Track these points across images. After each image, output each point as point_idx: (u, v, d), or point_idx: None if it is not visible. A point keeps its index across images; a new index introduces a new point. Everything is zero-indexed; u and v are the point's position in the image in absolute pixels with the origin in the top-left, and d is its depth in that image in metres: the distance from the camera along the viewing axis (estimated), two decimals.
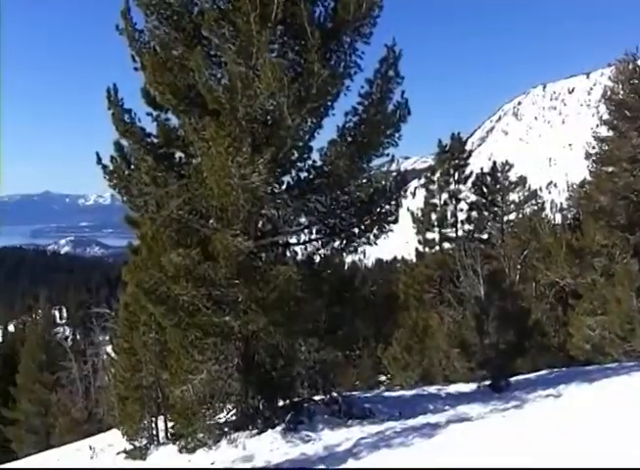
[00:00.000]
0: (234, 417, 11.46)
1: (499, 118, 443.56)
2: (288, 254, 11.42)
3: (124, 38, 10.88)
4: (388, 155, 11.02)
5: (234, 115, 9.76)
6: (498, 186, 30.04)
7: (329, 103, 10.32)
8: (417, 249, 31.68)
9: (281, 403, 11.39)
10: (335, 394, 11.51)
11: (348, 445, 9.44)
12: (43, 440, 30.70)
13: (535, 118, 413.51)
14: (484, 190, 30.24)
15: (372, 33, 10.60)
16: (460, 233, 30.42)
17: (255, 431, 10.67)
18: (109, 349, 25.18)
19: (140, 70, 10.81)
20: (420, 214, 30.88)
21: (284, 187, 10.87)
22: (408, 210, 28.59)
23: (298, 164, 10.79)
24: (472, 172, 30.97)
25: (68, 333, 71.69)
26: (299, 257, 11.39)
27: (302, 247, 11.47)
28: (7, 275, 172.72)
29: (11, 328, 76.03)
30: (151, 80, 10.48)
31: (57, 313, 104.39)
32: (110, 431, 18.46)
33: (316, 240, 11.35)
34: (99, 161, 11.10)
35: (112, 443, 15.67)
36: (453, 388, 14.58)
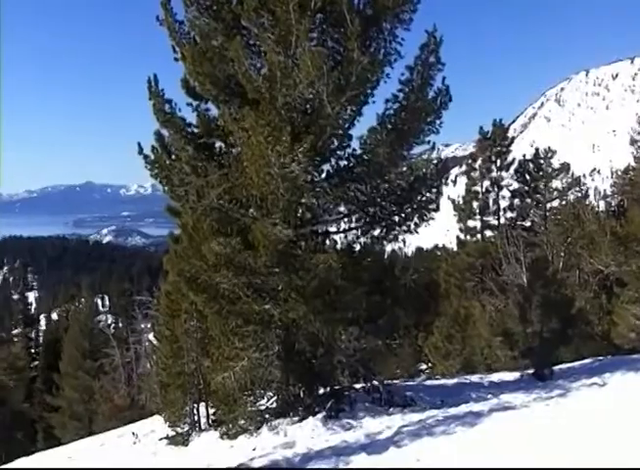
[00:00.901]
0: (275, 404, 11.54)
1: (541, 105, 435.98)
2: (327, 242, 11.42)
3: (165, 29, 10.96)
4: (428, 142, 10.96)
5: (273, 104, 9.77)
6: (541, 173, 29.57)
7: (369, 90, 10.26)
8: (458, 237, 31.39)
9: (321, 391, 11.43)
10: (376, 382, 11.51)
11: (390, 433, 9.42)
12: (86, 426, 31.17)
13: (578, 105, 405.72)
14: (527, 177, 29.80)
15: (412, 19, 10.53)
16: (502, 221, 30.05)
17: (296, 418, 10.74)
18: (151, 336, 25.56)
19: (180, 61, 10.88)
20: (461, 202, 30.56)
21: (323, 176, 10.86)
22: (449, 198, 28.30)
23: (338, 152, 10.77)
24: (514, 159, 30.53)
25: (110, 321, 72.77)
26: (339, 245, 11.38)
27: (342, 235, 11.46)
28: (50, 264, 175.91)
29: (54, 316, 77.52)
30: (191, 71, 10.56)
31: (99, 301, 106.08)
32: (152, 417, 18.70)
33: (356, 228, 11.32)
34: (140, 151, 11.22)
35: (154, 429, 15.89)
36: (496, 376, 14.49)
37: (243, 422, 11.28)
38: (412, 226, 11.27)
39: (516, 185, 30.24)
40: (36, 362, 48.96)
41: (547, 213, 29.43)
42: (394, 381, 13.81)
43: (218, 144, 11.48)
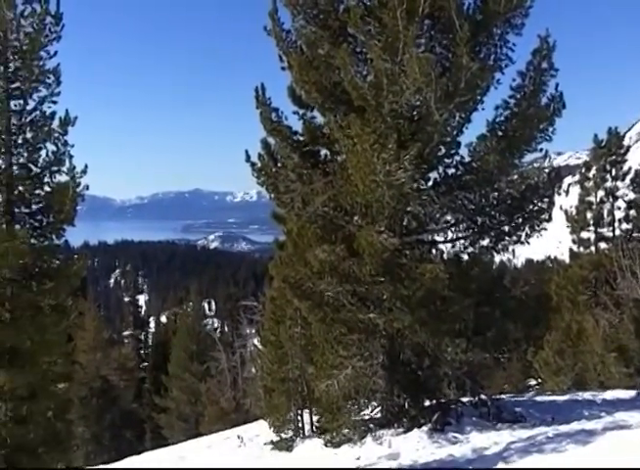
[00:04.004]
0: (379, 414, 11.43)
1: None
2: (434, 251, 11.23)
3: (272, 38, 11.14)
4: (540, 150, 10.64)
5: (379, 111, 9.73)
6: None
7: (478, 97, 10.07)
8: (571, 249, 30.32)
9: (427, 403, 11.22)
10: (483, 396, 11.21)
11: (498, 448, 9.15)
12: (193, 427, 31.99)
13: None
14: None
15: (524, 24, 10.30)
16: (617, 233, 28.80)
17: (401, 429, 10.58)
18: (256, 341, 25.95)
19: (287, 70, 11.04)
20: (574, 213, 29.52)
21: (430, 184, 10.73)
22: (561, 208, 27.34)
23: (446, 159, 10.62)
24: (630, 169, 29.21)
25: (216, 325, 74.41)
26: (446, 255, 11.16)
27: (449, 245, 11.24)
28: (160, 268, 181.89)
29: (163, 319, 79.93)
30: (297, 79, 10.71)
31: (206, 305, 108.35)
32: (256, 421, 18.95)
33: (464, 238, 11.08)
34: (248, 158, 11.44)
35: (259, 433, 16.08)
36: (610, 394, 13.84)
37: (347, 431, 11.23)
38: (523, 237, 10.93)
39: (632, 195, 28.92)
40: (145, 364, 50.64)
41: None
42: (502, 396, 13.40)
43: (323, 152, 11.61)
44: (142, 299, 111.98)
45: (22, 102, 10.11)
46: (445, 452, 9.38)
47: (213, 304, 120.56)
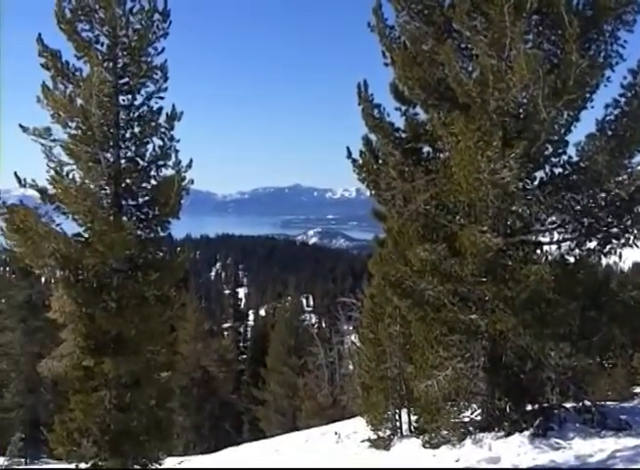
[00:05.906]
0: (479, 417, 11.26)
1: None
2: (539, 253, 10.95)
3: (375, 35, 11.17)
4: None
5: (484, 108, 9.58)
6: None
7: (587, 95, 9.76)
8: None
9: (529, 408, 10.97)
10: (587, 402, 10.86)
11: (602, 456, 8.88)
12: (290, 421, 32.40)
13: None
14: None
15: (635, 20, 9.98)
16: None
17: (502, 433, 10.39)
18: (353, 337, 26.07)
19: (390, 66, 11.03)
20: None
21: (536, 183, 10.47)
22: None
23: (553, 159, 10.34)
24: None
25: (314, 320, 75.13)
26: (551, 257, 10.85)
27: (555, 246, 10.93)
28: (260, 262, 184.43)
29: (262, 312, 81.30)
30: (400, 75, 10.69)
31: (304, 301, 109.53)
32: (354, 418, 19.04)
33: (570, 240, 10.73)
34: (349, 155, 11.51)
35: (356, 430, 16.19)
36: None
37: (446, 432, 11.14)
38: (631, 239, 10.47)
39: None
40: (244, 356, 51.66)
41: None
42: (607, 402, 12.93)
43: (426, 149, 11.57)
44: (242, 292, 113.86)
45: (130, 97, 10.42)
46: (547, 458, 9.19)
47: (311, 299, 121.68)
